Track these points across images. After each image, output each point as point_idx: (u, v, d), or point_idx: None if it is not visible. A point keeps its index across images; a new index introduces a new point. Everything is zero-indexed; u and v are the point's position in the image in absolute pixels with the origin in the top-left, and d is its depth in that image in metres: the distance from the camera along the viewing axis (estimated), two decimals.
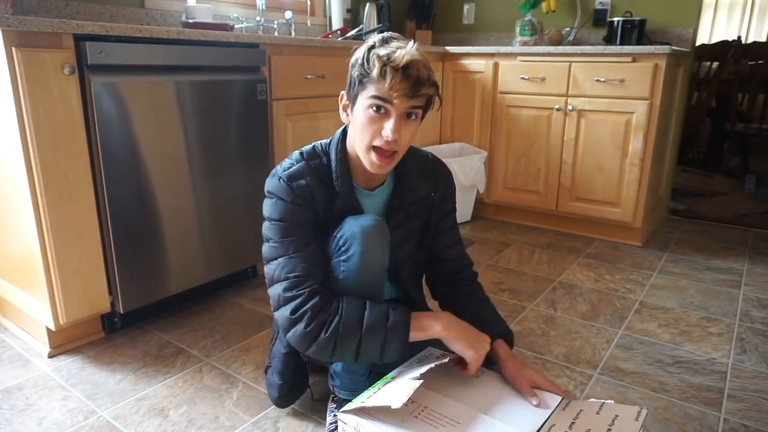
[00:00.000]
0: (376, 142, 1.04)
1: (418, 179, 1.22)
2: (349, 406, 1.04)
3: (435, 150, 2.86)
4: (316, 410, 1.35)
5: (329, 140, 1.17)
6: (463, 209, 2.94)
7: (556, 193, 2.73)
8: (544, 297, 2.02)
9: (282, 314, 1.07)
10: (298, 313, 1.04)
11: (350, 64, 1.07)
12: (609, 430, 0.98)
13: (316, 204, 1.11)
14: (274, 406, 1.35)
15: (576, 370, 1.54)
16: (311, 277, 1.07)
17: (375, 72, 1.00)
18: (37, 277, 1.48)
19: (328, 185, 1.13)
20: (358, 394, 1.08)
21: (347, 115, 1.11)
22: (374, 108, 1.03)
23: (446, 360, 1.11)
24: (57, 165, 1.41)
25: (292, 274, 1.06)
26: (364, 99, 1.03)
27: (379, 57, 1.00)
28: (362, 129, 1.05)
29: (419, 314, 1.09)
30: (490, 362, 1.19)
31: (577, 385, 1.47)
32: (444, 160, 2.63)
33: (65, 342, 1.60)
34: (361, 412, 1.02)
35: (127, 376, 1.48)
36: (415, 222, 1.24)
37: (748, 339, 1.73)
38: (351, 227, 1.06)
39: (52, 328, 1.50)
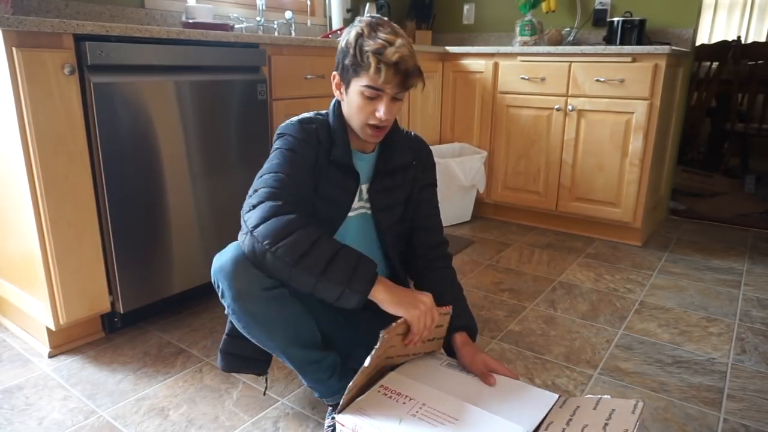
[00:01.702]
0: (371, 121, 1.16)
1: (402, 147, 1.30)
2: (341, 406, 1.04)
3: (435, 150, 2.86)
4: (316, 410, 1.35)
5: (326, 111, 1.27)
6: (463, 209, 2.94)
7: (556, 193, 2.73)
8: (544, 297, 2.02)
9: (259, 204, 1.05)
10: (276, 209, 1.03)
11: (340, 48, 1.15)
12: (606, 424, 0.98)
13: (320, 147, 1.19)
14: (273, 405, 1.35)
15: (576, 370, 1.55)
16: (296, 204, 1.07)
17: (371, 70, 1.09)
18: (37, 277, 1.48)
19: (329, 138, 1.22)
20: (341, 396, 1.06)
21: (341, 93, 1.20)
22: (367, 94, 1.13)
23: (397, 322, 1.05)
24: (57, 165, 1.41)
25: (278, 184, 1.09)
26: (358, 86, 1.13)
27: (373, 54, 1.08)
28: (357, 110, 1.16)
29: None
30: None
31: (577, 385, 1.47)
32: (444, 160, 2.61)
33: (65, 342, 1.60)
34: (359, 412, 1.02)
35: (127, 376, 1.48)
36: (399, 193, 1.30)
37: (747, 339, 1.73)
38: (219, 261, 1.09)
39: (53, 328, 1.50)
